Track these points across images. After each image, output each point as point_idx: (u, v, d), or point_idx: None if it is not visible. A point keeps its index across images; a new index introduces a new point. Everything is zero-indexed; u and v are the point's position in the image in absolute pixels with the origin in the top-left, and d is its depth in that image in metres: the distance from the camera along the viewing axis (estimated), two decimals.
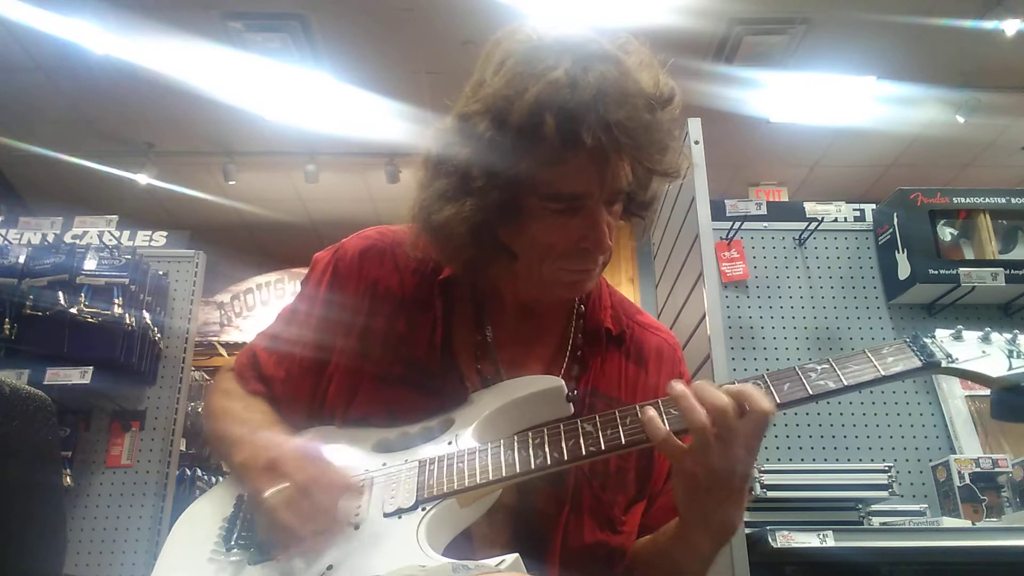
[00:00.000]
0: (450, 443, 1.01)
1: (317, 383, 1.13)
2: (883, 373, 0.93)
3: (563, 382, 1.04)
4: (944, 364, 0.94)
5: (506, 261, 1.04)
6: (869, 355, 0.95)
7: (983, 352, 0.96)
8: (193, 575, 0.97)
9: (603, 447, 0.94)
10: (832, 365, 0.95)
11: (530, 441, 0.97)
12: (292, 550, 0.94)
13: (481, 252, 1.03)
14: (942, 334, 0.98)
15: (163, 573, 1.00)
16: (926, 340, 0.96)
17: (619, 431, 0.94)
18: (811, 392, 0.93)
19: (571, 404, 1.04)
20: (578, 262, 1.02)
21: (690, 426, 0.88)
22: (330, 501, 0.95)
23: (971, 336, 0.97)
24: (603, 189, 0.97)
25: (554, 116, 0.90)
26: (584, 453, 0.94)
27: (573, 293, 1.12)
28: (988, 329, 0.98)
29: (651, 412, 0.92)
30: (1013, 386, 0.94)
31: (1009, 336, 0.97)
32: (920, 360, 0.94)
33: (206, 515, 1.05)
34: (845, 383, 0.93)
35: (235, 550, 0.98)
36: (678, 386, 0.91)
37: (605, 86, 0.91)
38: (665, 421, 0.92)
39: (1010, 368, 0.94)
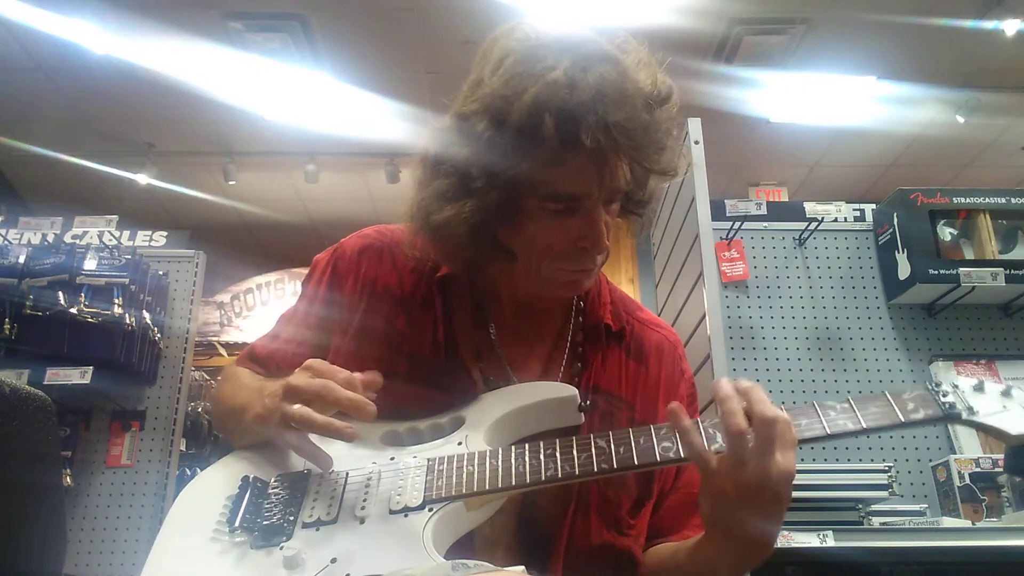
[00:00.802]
0: (460, 443, 1.01)
1: None
2: (903, 420, 0.94)
3: (576, 391, 1.04)
4: (964, 416, 0.95)
5: (505, 261, 1.04)
6: (890, 399, 0.95)
7: (1003, 407, 0.96)
8: (195, 554, 0.96)
9: (615, 465, 0.93)
10: (852, 405, 0.95)
11: (542, 451, 0.96)
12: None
13: (480, 252, 1.03)
14: (965, 384, 0.98)
15: (164, 549, 0.99)
16: (948, 389, 0.97)
17: (632, 452, 0.93)
18: (828, 432, 0.93)
19: (582, 414, 1.04)
20: (576, 262, 1.02)
21: (729, 431, 0.87)
22: (349, 392, 0.96)
23: (993, 389, 0.98)
24: (601, 189, 0.97)
25: (553, 117, 0.90)
26: (596, 469, 0.93)
27: (571, 292, 1.12)
28: (1010, 384, 0.98)
29: (687, 423, 0.90)
30: None
31: None
32: (942, 410, 0.95)
33: (210, 491, 1.04)
34: (864, 425, 0.93)
35: (239, 532, 0.97)
36: (727, 387, 0.90)
37: (604, 87, 0.91)
38: (703, 436, 0.91)
39: None
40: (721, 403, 0.89)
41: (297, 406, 0.96)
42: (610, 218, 1.02)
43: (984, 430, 0.96)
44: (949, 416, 0.94)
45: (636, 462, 0.93)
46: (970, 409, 0.95)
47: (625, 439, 0.95)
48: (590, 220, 0.98)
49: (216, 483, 1.05)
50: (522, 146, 0.93)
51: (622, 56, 0.96)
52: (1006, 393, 0.97)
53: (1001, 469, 2.09)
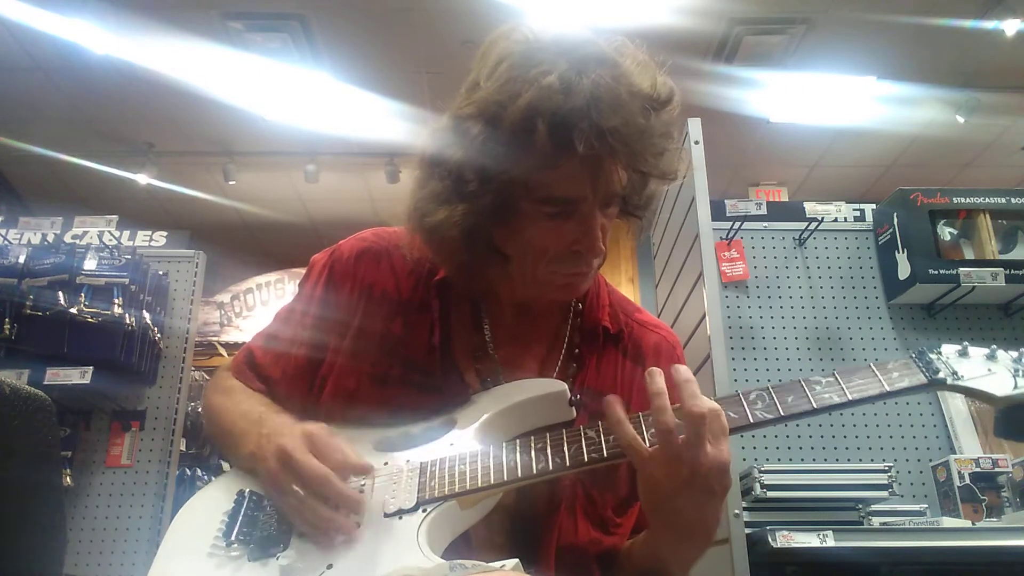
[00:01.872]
0: (452, 444, 1.01)
1: (311, 384, 1.13)
2: (888, 388, 0.93)
3: (566, 386, 1.04)
4: (949, 381, 0.94)
5: (499, 263, 1.04)
6: (874, 369, 0.95)
7: (989, 370, 0.96)
8: (193, 570, 0.97)
9: (606, 454, 0.94)
10: (837, 378, 0.95)
11: (532, 445, 0.97)
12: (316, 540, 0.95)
13: (473, 255, 1.03)
14: (948, 350, 0.98)
15: (163, 566, 1.00)
16: (932, 356, 0.96)
17: None
18: (815, 406, 0.93)
19: (574, 408, 1.04)
20: (571, 265, 1.02)
21: (656, 427, 0.89)
22: (348, 489, 0.95)
23: (977, 353, 0.97)
24: (596, 194, 0.96)
25: (546, 123, 0.90)
26: (587, 459, 0.94)
27: (567, 295, 1.11)
28: (994, 346, 0.97)
29: (620, 414, 0.92)
30: (1018, 405, 0.94)
31: (1015, 354, 0.97)
32: (926, 377, 0.94)
33: (206, 509, 1.05)
34: (850, 397, 0.93)
35: (235, 546, 0.97)
36: (659, 382, 0.91)
37: (599, 91, 0.90)
38: (645, 434, 0.92)
39: (1015, 387, 0.94)
40: (651, 400, 0.90)
41: (297, 493, 0.94)
42: (607, 221, 1.01)
43: (970, 394, 0.96)
44: (934, 382, 0.94)
45: None
46: (955, 374, 0.95)
47: None
48: (585, 224, 0.98)
49: (212, 499, 1.06)
50: (516, 151, 0.93)
51: (620, 59, 0.96)
52: (991, 356, 0.97)
53: (1001, 469, 2.09)
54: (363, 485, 1.00)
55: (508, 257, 1.03)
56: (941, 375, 0.94)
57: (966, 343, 0.98)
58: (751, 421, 0.94)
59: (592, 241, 0.99)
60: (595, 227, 0.98)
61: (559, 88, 0.90)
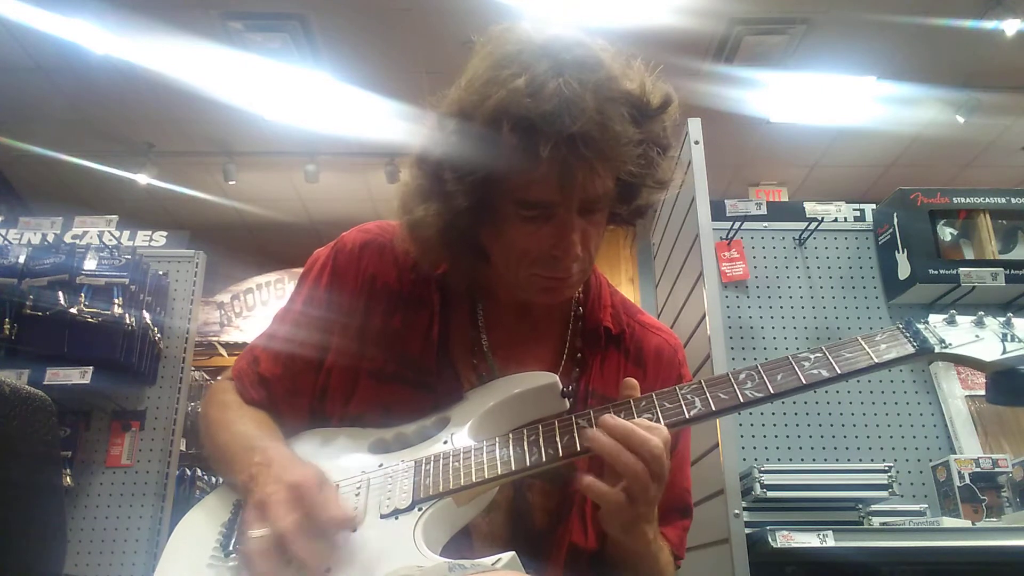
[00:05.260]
0: (445, 442, 1.01)
1: (316, 378, 1.13)
2: (876, 360, 0.93)
3: (557, 378, 1.04)
4: (937, 349, 0.94)
5: (477, 262, 1.04)
6: (862, 342, 0.95)
7: (976, 336, 0.95)
8: None
9: None
10: (825, 353, 0.94)
11: (525, 438, 0.97)
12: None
13: (452, 254, 1.03)
14: (935, 319, 0.97)
15: None
16: (919, 326, 0.96)
17: None
18: (805, 382, 0.92)
19: (566, 400, 1.04)
20: (551, 269, 1.00)
21: (626, 475, 0.89)
22: (311, 554, 0.88)
23: (964, 320, 0.97)
24: (570, 199, 0.95)
25: (511, 125, 0.89)
26: (579, 449, 0.94)
27: (550, 299, 1.07)
28: (981, 313, 0.97)
29: (587, 479, 0.92)
30: (1008, 370, 0.93)
31: (1003, 319, 0.97)
32: (913, 346, 0.94)
33: (204, 521, 1.05)
34: (839, 371, 0.93)
35: (233, 555, 0.97)
36: (610, 443, 0.90)
37: (571, 95, 0.89)
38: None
39: (1004, 352, 0.93)
40: (614, 459, 0.90)
41: (259, 547, 0.87)
42: (593, 227, 1.00)
43: (959, 361, 0.95)
44: (923, 351, 0.93)
45: None
46: (943, 342, 0.94)
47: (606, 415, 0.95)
48: (562, 229, 0.96)
49: (209, 512, 1.06)
50: (486, 152, 0.92)
51: (606, 63, 0.94)
52: (978, 323, 0.97)
53: (1001, 469, 2.09)
54: (359, 489, 1.00)
55: (487, 256, 1.03)
56: (929, 344, 0.93)
57: (953, 312, 0.98)
58: (741, 401, 0.93)
59: (568, 246, 0.97)
60: (571, 232, 0.96)
61: (526, 91, 0.89)
